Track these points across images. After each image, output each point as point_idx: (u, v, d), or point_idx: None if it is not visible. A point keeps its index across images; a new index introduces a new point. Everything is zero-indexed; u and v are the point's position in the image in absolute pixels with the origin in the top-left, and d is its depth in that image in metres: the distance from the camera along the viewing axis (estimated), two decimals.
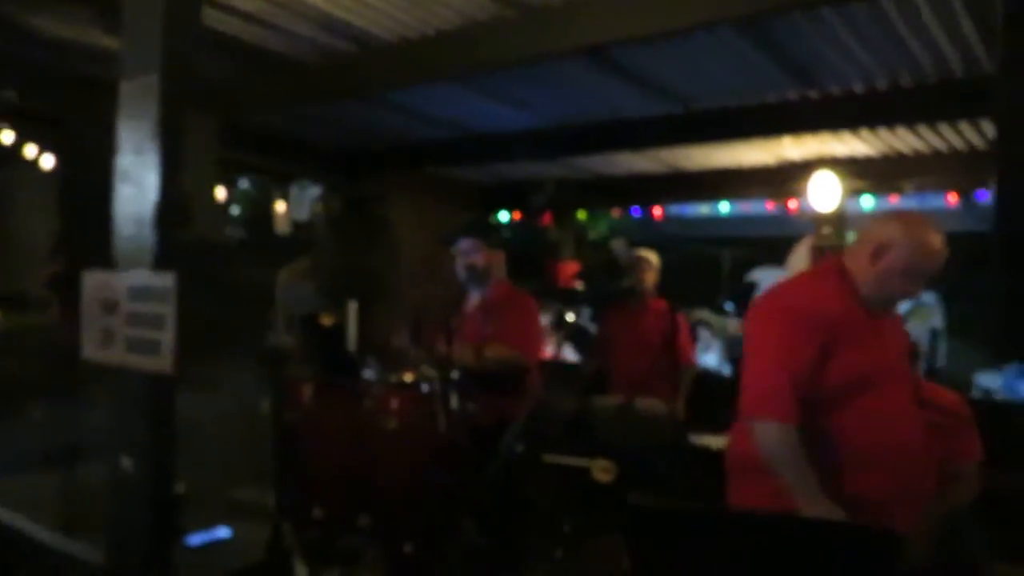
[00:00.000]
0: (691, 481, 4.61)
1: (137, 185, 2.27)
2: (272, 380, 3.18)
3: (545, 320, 5.47)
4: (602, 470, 2.79)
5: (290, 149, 5.48)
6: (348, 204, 5.38)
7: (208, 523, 3.53)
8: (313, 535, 3.17)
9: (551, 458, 2.83)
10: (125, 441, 2.29)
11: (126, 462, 2.24)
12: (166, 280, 2.18)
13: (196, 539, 3.36)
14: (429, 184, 5.93)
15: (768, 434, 1.99)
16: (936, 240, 1.99)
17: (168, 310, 2.15)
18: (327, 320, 3.27)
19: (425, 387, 3.09)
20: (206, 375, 5.08)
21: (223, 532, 3.49)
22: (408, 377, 3.16)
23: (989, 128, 4.03)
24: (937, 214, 6.84)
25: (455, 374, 3.09)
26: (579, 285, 6.04)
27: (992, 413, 3.98)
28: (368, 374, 3.21)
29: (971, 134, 4.17)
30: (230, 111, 3.71)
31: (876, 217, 2.18)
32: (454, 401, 3.09)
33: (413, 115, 4.56)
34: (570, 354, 6.00)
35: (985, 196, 4.96)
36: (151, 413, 2.28)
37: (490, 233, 3.77)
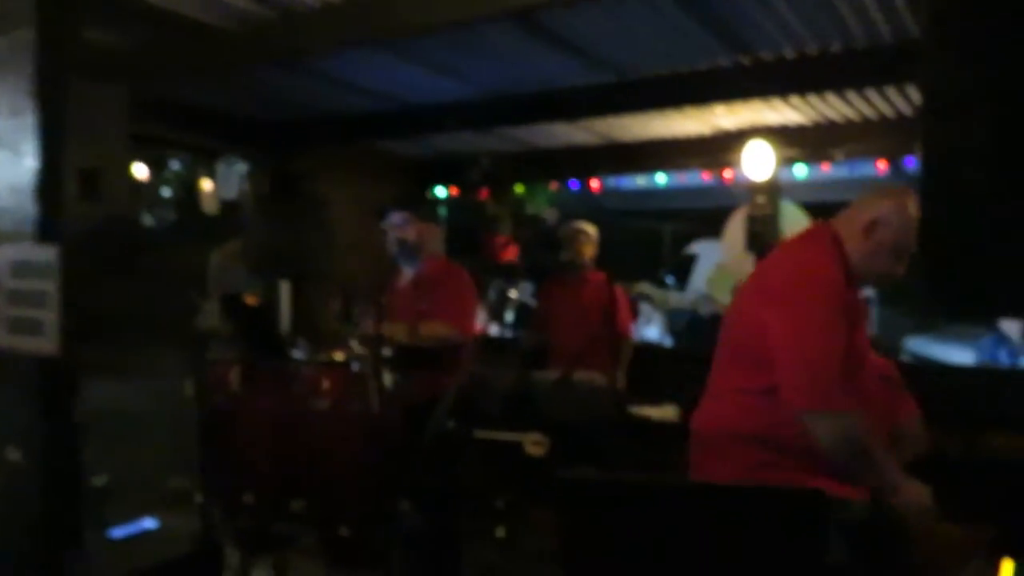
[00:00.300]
0: (632, 452, 4.63)
1: (12, 150, 2.08)
2: (194, 363, 3.06)
3: (491, 296, 5.41)
4: (534, 444, 2.75)
5: (214, 124, 5.26)
6: (277, 181, 5.21)
7: (135, 514, 3.40)
8: (244, 522, 3.08)
9: (483, 434, 2.78)
10: (12, 431, 2.13)
11: (13, 453, 2.09)
12: (48, 254, 2.02)
13: (120, 531, 3.23)
14: (362, 159, 5.77)
15: (835, 426, 1.88)
16: None
17: (51, 287, 1.99)
18: (251, 300, 3.16)
19: (356, 366, 3.01)
20: (135, 362, 4.90)
21: (149, 523, 3.36)
22: (339, 356, 3.07)
23: (915, 94, 4.08)
24: (867, 182, 6.97)
25: (387, 351, 3.01)
26: (520, 260, 6.00)
27: (924, 376, 4.09)
28: (297, 354, 3.10)
29: (899, 100, 4.22)
30: (141, 81, 3.51)
31: (870, 191, 2.15)
32: (387, 379, 3.02)
33: (341, 86, 4.41)
34: (500, 329, 5.98)
35: (913, 163, 5.05)
36: (41, 400, 2.12)
37: (422, 206, 3.68)
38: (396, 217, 3.53)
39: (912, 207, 2.00)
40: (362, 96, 4.58)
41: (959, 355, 5.57)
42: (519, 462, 2.77)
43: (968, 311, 1.17)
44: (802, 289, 1.99)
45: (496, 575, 3.11)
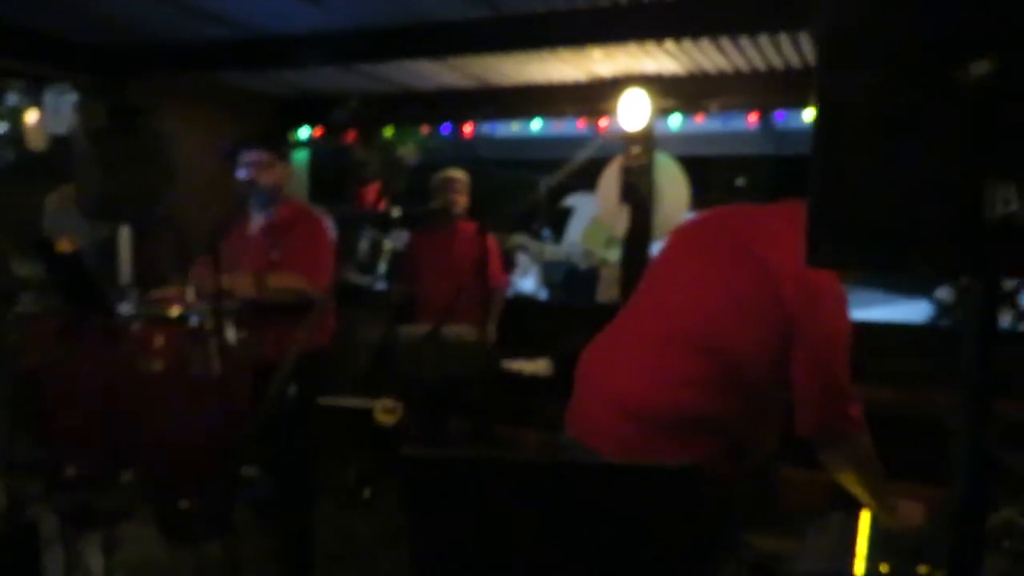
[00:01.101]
0: (503, 407, 4.54)
1: None
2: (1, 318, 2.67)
3: (363, 246, 5.14)
4: (385, 412, 2.55)
5: (42, 48, 4.63)
6: (113, 114, 4.66)
7: None
8: (68, 497, 2.75)
9: (329, 400, 2.54)
10: None
11: None
12: None
13: None
14: (213, 94, 5.26)
15: (853, 448, 1.84)
16: None
17: None
18: (65, 246, 2.77)
19: (195, 320, 2.71)
20: None
21: None
22: (174, 311, 2.74)
23: (787, 45, 4.06)
24: (739, 136, 7.07)
25: (231, 304, 2.72)
26: (394, 210, 5.71)
27: None
28: (125, 308, 2.75)
29: (771, 51, 4.20)
30: None
31: None
32: (231, 335, 2.73)
33: (185, 8, 3.93)
34: (371, 280, 5.71)
35: (783, 117, 5.10)
36: None
37: (278, 145, 3.34)
38: (248, 156, 3.19)
39: None
40: (209, 21, 4.11)
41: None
42: (370, 430, 2.56)
43: (851, 263, 1.06)
44: (830, 307, 1.83)
45: (353, 540, 2.94)
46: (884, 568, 1.92)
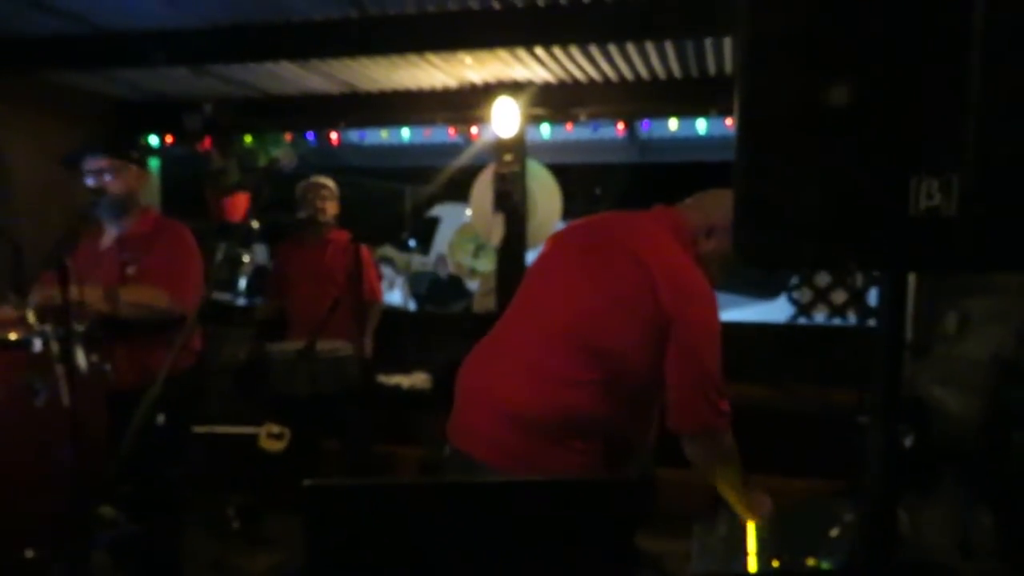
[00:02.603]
0: (385, 423, 4.38)
1: None
2: None
3: (219, 259, 4.83)
4: (271, 438, 2.36)
5: None
6: None
7: None
8: None
9: (206, 428, 2.32)
10: None
11: None
12: None
13: None
14: (49, 96, 4.78)
15: (717, 444, 1.90)
16: None
17: None
18: None
19: (38, 344, 2.41)
20: None
21: None
22: (12, 335, 2.44)
23: (654, 55, 4.17)
24: (607, 145, 7.24)
25: (80, 326, 2.44)
26: (253, 221, 5.41)
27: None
28: None
29: (638, 62, 4.29)
30: None
31: (720, 193, 1.98)
32: (81, 360, 2.46)
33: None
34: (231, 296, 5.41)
35: (648, 126, 5.25)
36: None
37: (130, 150, 3.05)
38: (96, 163, 2.89)
39: None
40: (41, 13, 3.71)
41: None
42: (254, 458, 2.35)
43: (779, 261, 1.04)
44: (712, 306, 1.90)
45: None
46: (775, 564, 1.97)
